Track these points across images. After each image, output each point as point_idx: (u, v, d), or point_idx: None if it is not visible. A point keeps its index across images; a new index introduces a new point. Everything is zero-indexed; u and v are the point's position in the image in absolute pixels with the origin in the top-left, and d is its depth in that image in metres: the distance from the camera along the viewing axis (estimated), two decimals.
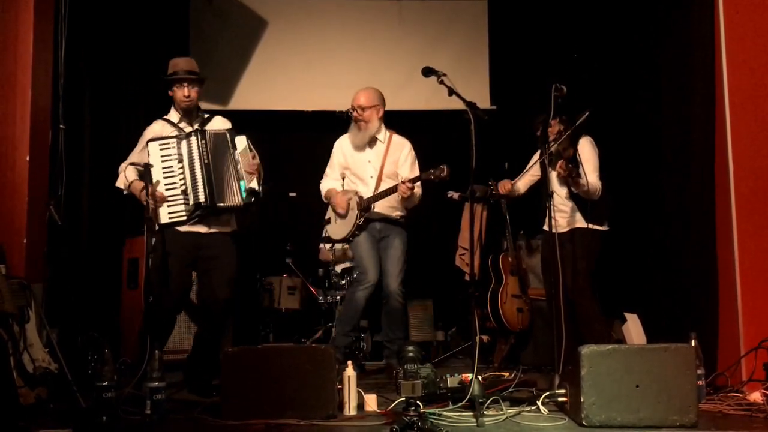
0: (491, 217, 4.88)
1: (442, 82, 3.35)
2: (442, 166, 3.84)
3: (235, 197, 3.53)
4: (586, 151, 3.91)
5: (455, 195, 4.94)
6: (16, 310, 3.11)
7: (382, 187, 4.08)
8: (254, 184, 3.55)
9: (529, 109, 4.11)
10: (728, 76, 3.67)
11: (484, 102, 5.55)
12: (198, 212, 3.50)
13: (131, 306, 4.43)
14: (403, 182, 3.93)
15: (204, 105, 5.53)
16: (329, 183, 4.28)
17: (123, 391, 3.10)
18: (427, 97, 5.46)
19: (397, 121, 5.76)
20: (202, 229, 3.57)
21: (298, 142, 5.77)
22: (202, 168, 3.51)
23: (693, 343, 3.17)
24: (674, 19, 4.21)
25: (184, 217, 3.49)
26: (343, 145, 4.26)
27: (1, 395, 2.73)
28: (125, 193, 3.63)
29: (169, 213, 3.48)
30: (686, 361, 2.81)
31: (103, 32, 4.88)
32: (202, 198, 3.48)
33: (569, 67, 5.15)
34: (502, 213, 4.73)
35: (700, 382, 3.10)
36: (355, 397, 3.08)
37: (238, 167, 3.55)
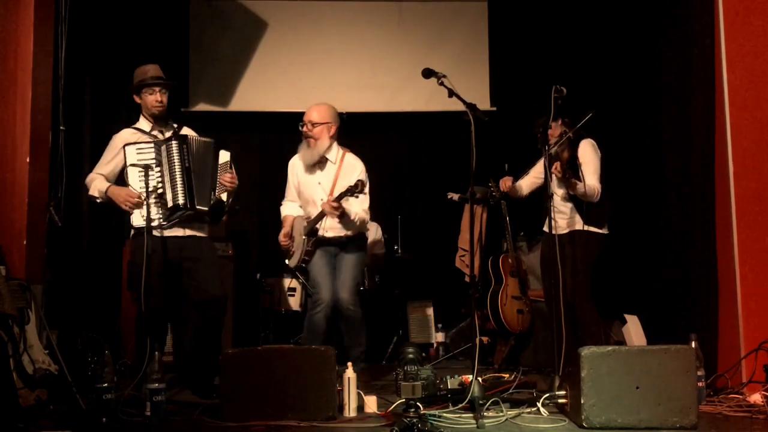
0: (491, 218, 4.88)
1: (442, 84, 3.34)
2: (357, 182, 3.75)
3: (206, 203, 3.54)
4: (587, 153, 3.91)
5: (455, 196, 4.94)
6: (16, 312, 3.11)
7: None
8: (223, 196, 3.60)
9: (529, 111, 4.11)
10: (728, 76, 3.67)
11: (484, 103, 5.56)
12: (176, 215, 3.51)
13: (131, 307, 4.43)
14: (327, 201, 3.81)
15: (204, 107, 5.60)
16: (287, 208, 4.17)
17: (123, 393, 3.10)
18: (427, 99, 5.46)
19: (397, 123, 5.80)
20: (179, 232, 3.58)
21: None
22: (183, 172, 3.50)
23: (693, 344, 3.17)
24: (674, 19, 4.22)
25: (161, 220, 3.49)
26: (295, 165, 4.14)
27: (0, 397, 2.73)
28: (99, 201, 3.60)
29: (144, 216, 3.45)
30: (686, 363, 2.80)
31: (103, 34, 4.89)
32: (181, 200, 3.48)
33: (569, 68, 5.15)
34: (502, 214, 4.73)
35: (700, 384, 3.09)
36: (355, 398, 3.08)
37: (216, 176, 3.59)
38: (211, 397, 3.35)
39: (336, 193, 3.86)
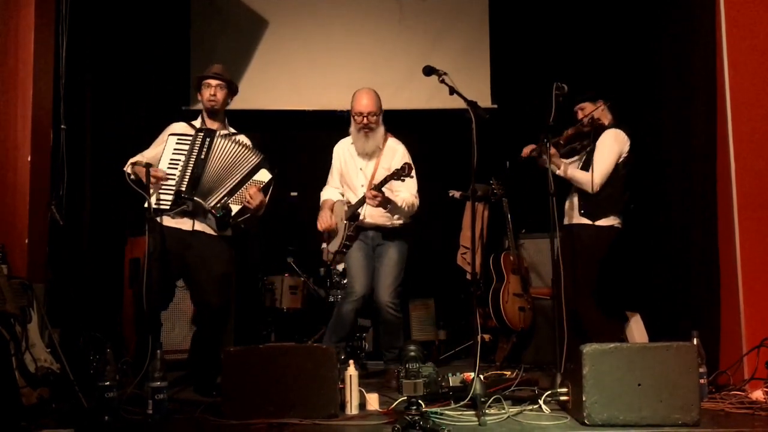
0: (492, 215, 4.88)
1: (443, 81, 3.33)
2: (404, 164, 3.63)
3: (211, 202, 3.52)
4: (603, 141, 3.89)
5: (457, 194, 4.94)
6: (18, 311, 3.12)
7: None
8: (234, 207, 3.53)
9: (530, 108, 4.09)
10: (729, 74, 3.66)
11: (485, 101, 5.55)
12: (180, 203, 3.49)
13: (132, 306, 4.43)
14: (369, 190, 3.72)
15: None
16: (328, 192, 4.10)
17: (125, 391, 3.10)
18: (428, 96, 5.45)
19: (398, 121, 5.77)
20: (185, 225, 3.57)
21: (299, 142, 5.77)
22: (197, 163, 3.51)
23: (695, 341, 3.17)
24: (675, 17, 4.21)
25: (167, 206, 3.49)
26: (340, 151, 4.07)
27: (3, 395, 2.73)
28: (131, 177, 3.53)
29: (159, 199, 3.48)
30: (688, 360, 2.80)
31: (104, 33, 4.89)
32: (183, 187, 3.49)
33: (570, 65, 5.14)
34: (504, 212, 4.73)
35: (702, 381, 3.10)
36: (357, 396, 3.08)
37: (239, 187, 3.54)
38: (212, 396, 3.35)
39: (378, 178, 3.78)
